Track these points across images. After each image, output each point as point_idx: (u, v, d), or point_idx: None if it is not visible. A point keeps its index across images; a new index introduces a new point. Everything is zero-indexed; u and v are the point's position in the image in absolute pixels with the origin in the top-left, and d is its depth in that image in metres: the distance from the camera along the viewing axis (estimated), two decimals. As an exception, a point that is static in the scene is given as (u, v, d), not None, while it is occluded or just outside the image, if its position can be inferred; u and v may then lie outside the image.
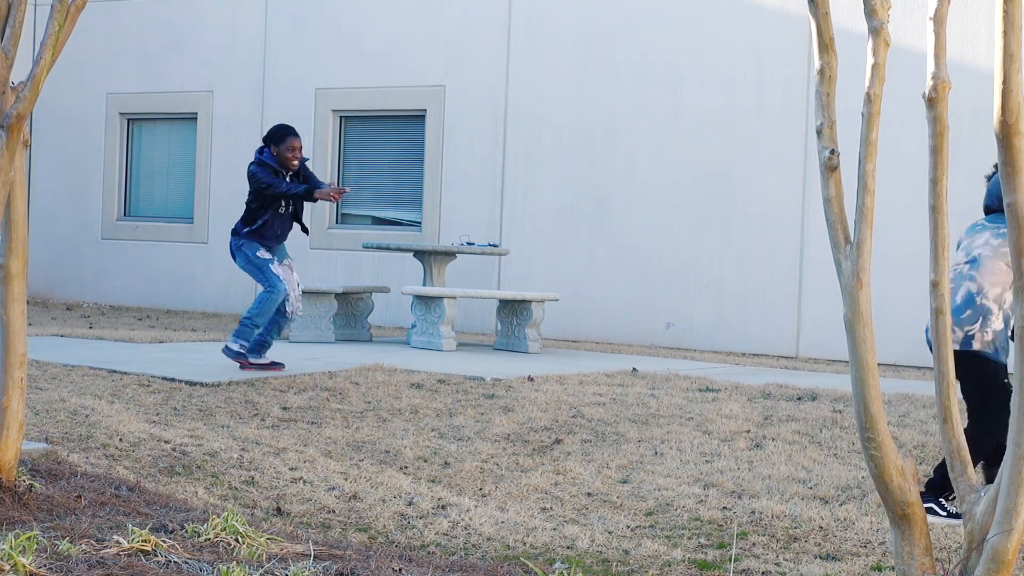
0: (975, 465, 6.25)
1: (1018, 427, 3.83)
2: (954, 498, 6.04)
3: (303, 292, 12.39)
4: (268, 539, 4.88)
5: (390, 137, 15.80)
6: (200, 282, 16.77)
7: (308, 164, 9.96)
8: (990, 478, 6.41)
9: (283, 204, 9.55)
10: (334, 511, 6.15)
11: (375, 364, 9.91)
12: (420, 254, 13.14)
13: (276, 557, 4.69)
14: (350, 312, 12.80)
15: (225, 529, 4.88)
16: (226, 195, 16.62)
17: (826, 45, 4.24)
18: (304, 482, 6.56)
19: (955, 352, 5.87)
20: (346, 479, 6.66)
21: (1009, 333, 6.35)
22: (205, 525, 4.94)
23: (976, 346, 6.28)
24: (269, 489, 6.42)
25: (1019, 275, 3.81)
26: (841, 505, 6.43)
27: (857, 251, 4.15)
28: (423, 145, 15.41)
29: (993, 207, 6.44)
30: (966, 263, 6.36)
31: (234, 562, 4.55)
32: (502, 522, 6.02)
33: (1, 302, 5.48)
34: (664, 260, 13.97)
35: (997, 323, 6.30)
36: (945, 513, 6.32)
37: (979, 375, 6.31)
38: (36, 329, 12.18)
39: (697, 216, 13.78)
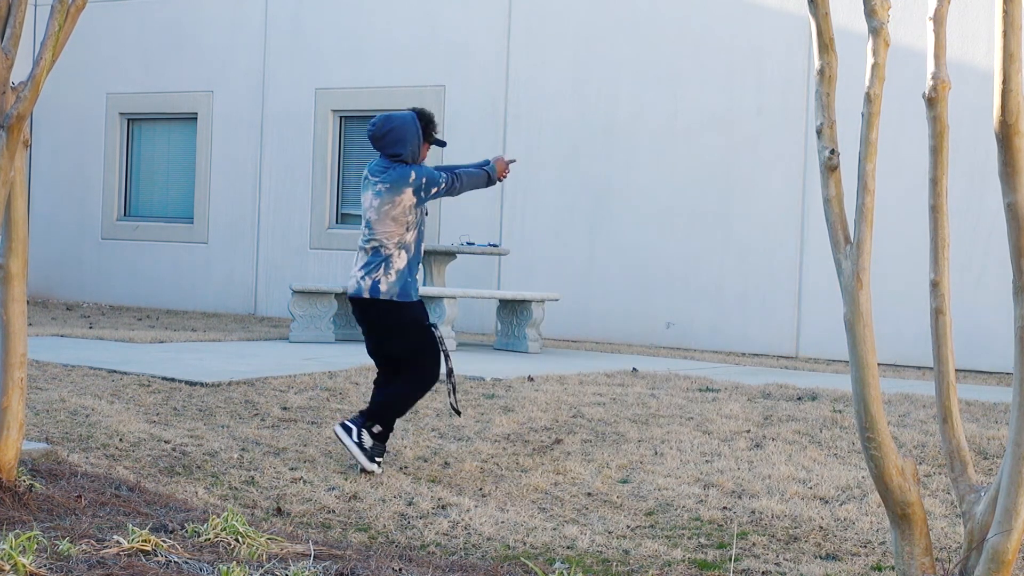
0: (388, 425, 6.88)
1: (1018, 427, 3.83)
2: (379, 432, 6.77)
3: (302, 292, 12.39)
4: (268, 539, 4.88)
5: (390, 137, 15.78)
6: (200, 282, 16.77)
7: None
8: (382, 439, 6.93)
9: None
10: (334, 511, 6.15)
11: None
12: (420, 254, 13.14)
13: (276, 557, 4.69)
14: (350, 312, 12.81)
15: (225, 529, 4.88)
16: (226, 195, 16.62)
17: (826, 45, 4.24)
18: (304, 482, 6.56)
19: (365, 300, 6.80)
20: (346, 479, 6.66)
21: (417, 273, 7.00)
22: (205, 525, 4.94)
23: (383, 290, 6.87)
24: (269, 489, 6.42)
25: (1019, 275, 3.81)
26: (841, 505, 6.43)
27: (857, 251, 4.15)
28: (423, 145, 15.40)
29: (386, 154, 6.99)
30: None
31: (234, 562, 4.55)
32: (502, 522, 6.02)
33: (1, 302, 5.48)
34: (664, 260, 13.97)
35: (399, 263, 6.90)
36: (356, 441, 6.76)
37: (401, 320, 6.88)
38: (36, 329, 12.18)
39: (697, 216, 13.78)
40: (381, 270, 6.89)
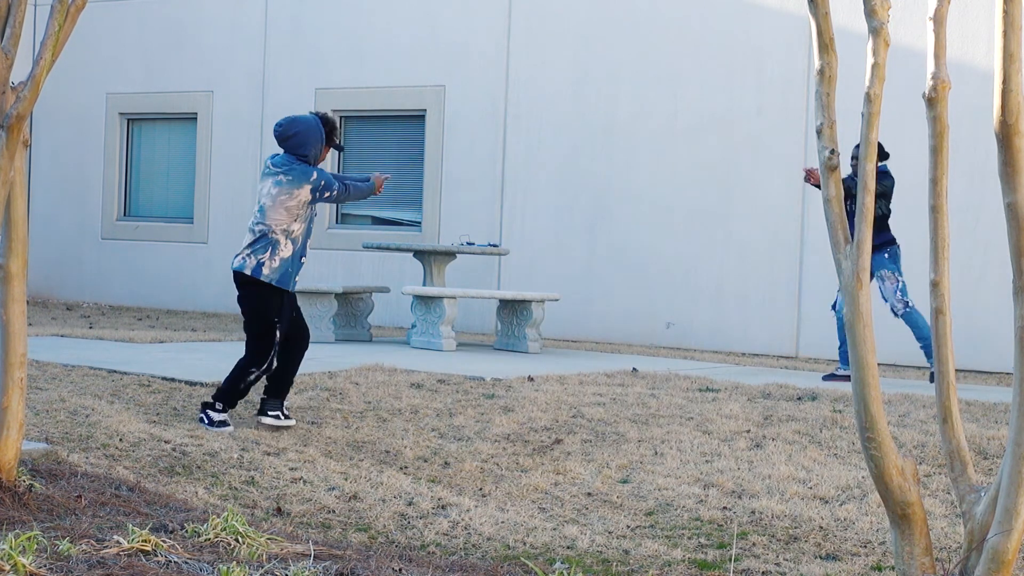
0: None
1: (1018, 427, 3.83)
2: (224, 409, 7.52)
3: (302, 292, 12.39)
4: (268, 539, 4.88)
5: (390, 137, 15.80)
6: (200, 282, 16.77)
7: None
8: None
9: None
10: (334, 511, 6.15)
11: (375, 364, 9.91)
12: (420, 254, 13.14)
13: (276, 557, 4.69)
14: (350, 312, 12.80)
15: (225, 529, 4.88)
16: (226, 195, 16.62)
17: (826, 45, 4.24)
18: (304, 482, 6.56)
19: (245, 277, 7.61)
20: (346, 479, 6.66)
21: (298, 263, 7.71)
22: (205, 525, 4.94)
23: (264, 272, 7.61)
24: (269, 489, 6.42)
25: (1019, 275, 3.81)
26: (841, 505, 6.43)
27: (857, 251, 4.15)
28: (423, 145, 15.41)
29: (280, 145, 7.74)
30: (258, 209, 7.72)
31: (234, 562, 4.55)
32: (502, 522, 6.02)
33: (1, 302, 5.48)
34: (664, 260, 13.97)
35: (285, 252, 7.63)
36: (209, 421, 7.52)
37: (262, 304, 7.66)
38: (36, 329, 12.18)
39: (697, 216, 13.78)
40: (267, 253, 7.65)
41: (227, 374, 7.80)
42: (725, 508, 6.38)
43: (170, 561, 4.51)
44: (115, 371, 9.16)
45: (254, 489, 6.40)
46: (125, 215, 17.59)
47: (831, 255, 4.23)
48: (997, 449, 7.52)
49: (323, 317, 12.39)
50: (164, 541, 4.69)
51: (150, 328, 13.68)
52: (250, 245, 7.71)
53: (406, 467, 7.06)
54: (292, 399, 8.52)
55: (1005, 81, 3.78)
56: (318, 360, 10.42)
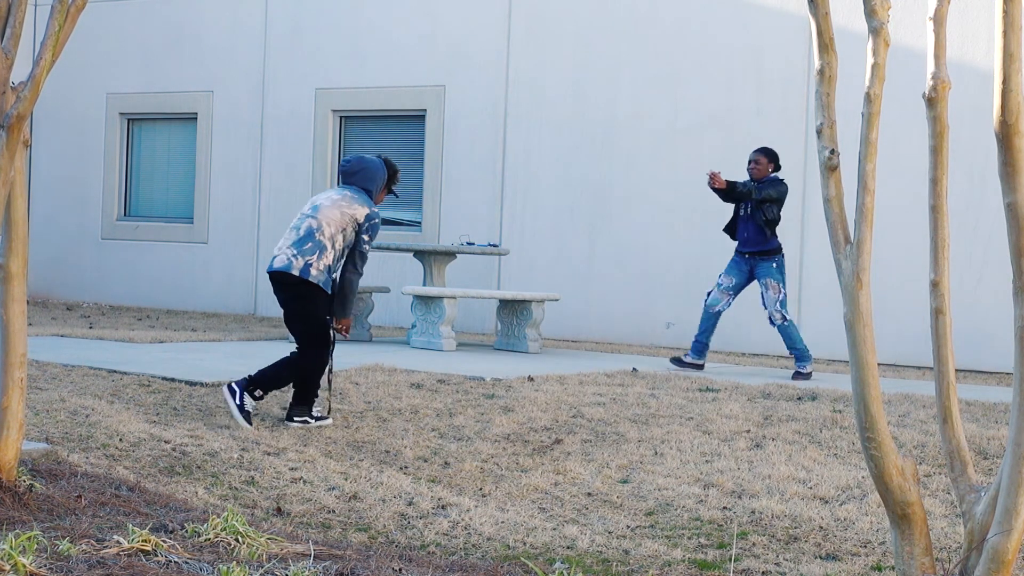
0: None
1: (1018, 427, 3.83)
2: (259, 396, 7.59)
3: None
4: (268, 539, 4.89)
5: (390, 137, 15.80)
6: (200, 282, 16.77)
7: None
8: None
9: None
10: (334, 511, 6.15)
11: (375, 364, 9.91)
12: (420, 254, 13.14)
13: (276, 557, 4.69)
14: (350, 312, 12.80)
15: (225, 529, 4.88)
16: (226, 195, 16.62)
17: (826, 45, 4.24)
18: (304, 482, 6.56)
19: (292, 278, 7.56)
20: (346, 479, 6.66)
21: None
22: (205, 525, 4.94)
23: (312, 273, 7.65)
24: (269, 489, 6.42)
25: (1019, 275, 3.81)
26: (841, 505, 6.43)
27: (857, 251, 4.15)
28: (423, 145, 15.41)
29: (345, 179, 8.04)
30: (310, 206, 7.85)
31: (234, 562, 4.55)
32: (502, 522, 6.02)
33: (1, 302, 5.48)
34: (664, 260, 13.97)
35: (328, 259, 7.71)
36: (238, 404, 7.59)
37: (313, 306, 7.72)
38: (36, 329, 12.18)
39: (697, 216, 13.77)
40: (315, 256, 7.68)
41: (294, 389, 7.88)
42: (725, 508, 6.38)
43: (170, 561, 4.51)
44: (115, 371, 9.16)
45: (254, 489, 6.40)
46: (125, 215, 17.59)
47: (831, 255, 4.23)
48: (997, 449, 7.52)
49: (323, 317, 12.38)
50: (164, 541, 4.69)
51: (150, 328, 13.68)
52: (296, 244, 7.73)
53: (406, 467, 7.06)
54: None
55: (1005, 81, 3.79)
56: (318, 360, 10.42)
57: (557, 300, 13.02)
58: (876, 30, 4.13)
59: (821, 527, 6.09)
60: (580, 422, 8.14)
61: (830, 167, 4.25)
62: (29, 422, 7.01)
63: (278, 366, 7.82)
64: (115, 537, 4.68)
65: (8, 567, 4.23)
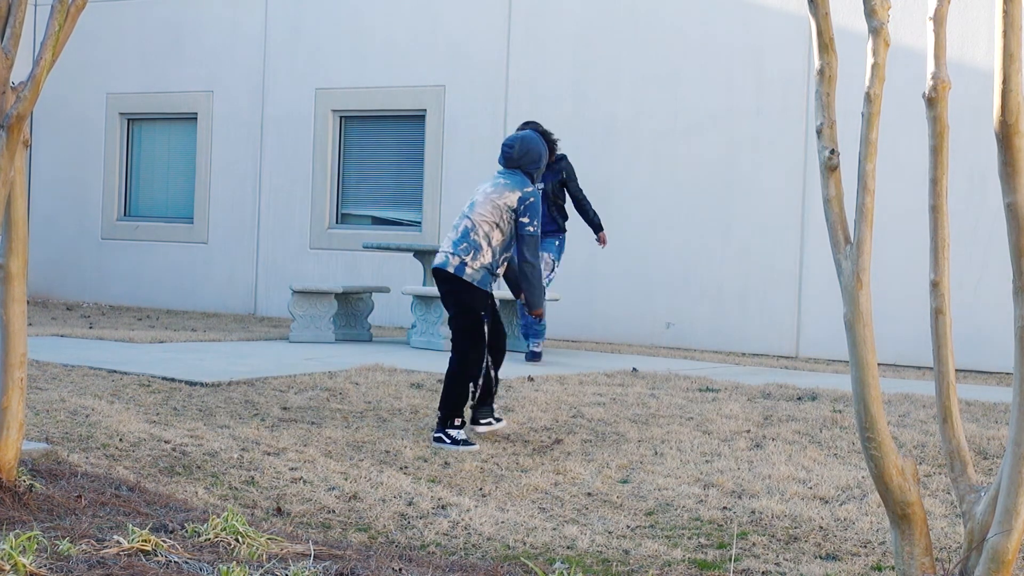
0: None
1: (1018, 427, 3.84)
2: (461, 424, 7.48)
3: (302, 292, 12.39)
4: (268, 539, 4.89)
5: (390, 137, 15.80)
6: (200, 282, 16.77)
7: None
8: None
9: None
10: (334, 511, 6.15)
11: (375, 364, 9.91)
12: (420, 254, 13.14)
13: (276, 557, 4.69)
14: (350, 312, 12.80)
15: (225, 529, 4.88)
16: (226, 195, 16.62)
17: (826, 45, 4.24)
18: (304, 482, 6.56)
19: (448, 274, 7.52)
20: (346, 479, 6.66)
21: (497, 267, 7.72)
22: (205, 525, 4.94)
23: (467, 272, 7.60)
24: (269, 489, 6.42)
25: (1019, 275, 3.81)
26: (841, 505, 6.43)
27: (857, 251, 4.15)
28: (423, 145, 15.41)
29: (506, 165, 7.86)
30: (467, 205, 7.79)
31: (234, 562, 4.55)
32: (502, 522, 6.02)
33: (1, 302, 5.48)
34: (664, 260, 13.96)
35: (485, 258, 7.63)
36: (450, 440, 7.49)
37: (468, 299, 7.62)
38: (36, 329, 12.18)
39: (697, 216, 13.78)
40: (470, 255, 7.64)
41: (440, 392, 7.83)
42: (725, 508, 6.38)
43: (170, 561, 4.51)
44: (115, 371, 9.16)
45: (254, 489, 6.40)
46: (125, 215, 17.59)
47: (831, 255, 4.23)
48: (997, 449, 7.52)
49: (323, 317, 12.39)
50: (164, 541, 4.69)
51: (150, 328, 13.68)
52: (454, 243, 7.72)
53: (406, 467, 7.06)
54: (292, 399, 8.53)
55: (1005, 81, 3.79)
56: (318, 360, 10.43)
57: (557, 300, 13.02)
58: (876, 30, 4.13)
59: (821, 527, 6.09)
60: (580, 422, 8.14)
61: (830, 167, 4.26)
62: (29, 422, 7.01)
63: (445, 383, 7.71)
64: (115, 537, 4.68)
65: (8, 567, 4.23)
